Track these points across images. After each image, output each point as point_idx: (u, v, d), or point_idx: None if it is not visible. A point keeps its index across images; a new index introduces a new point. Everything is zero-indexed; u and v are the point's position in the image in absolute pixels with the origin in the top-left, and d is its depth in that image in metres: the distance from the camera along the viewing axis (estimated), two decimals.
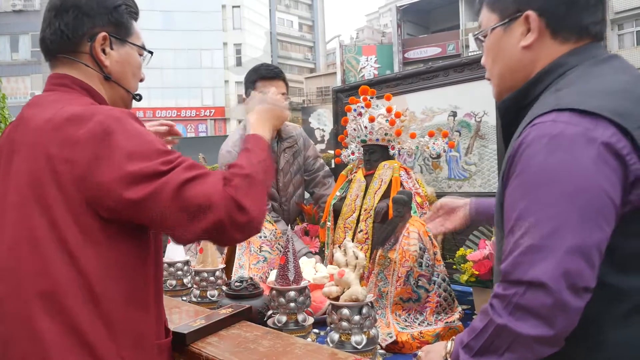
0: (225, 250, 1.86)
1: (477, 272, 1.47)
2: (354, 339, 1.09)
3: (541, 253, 0.71)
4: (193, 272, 1.59)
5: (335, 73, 27.97)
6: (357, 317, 1.09)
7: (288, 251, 1.26)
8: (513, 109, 0.90)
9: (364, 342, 1.09)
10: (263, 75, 2.14)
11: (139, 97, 1.09)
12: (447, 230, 1.34)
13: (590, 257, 0.70)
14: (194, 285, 1.58)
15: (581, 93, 0.78)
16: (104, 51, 0.99)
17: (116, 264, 0.87)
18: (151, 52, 1.11)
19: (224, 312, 1.22)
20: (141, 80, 1.10)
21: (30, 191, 0.86)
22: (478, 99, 1.79)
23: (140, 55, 1.08)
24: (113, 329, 0.86)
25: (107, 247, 0.87)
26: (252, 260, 1.75)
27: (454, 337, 0.88)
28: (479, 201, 1.30)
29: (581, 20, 0.85)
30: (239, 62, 27.81)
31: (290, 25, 39.27)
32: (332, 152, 3.15)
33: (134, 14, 1.05)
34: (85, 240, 0.85)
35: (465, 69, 1.84)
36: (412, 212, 1.45)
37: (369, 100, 1.73)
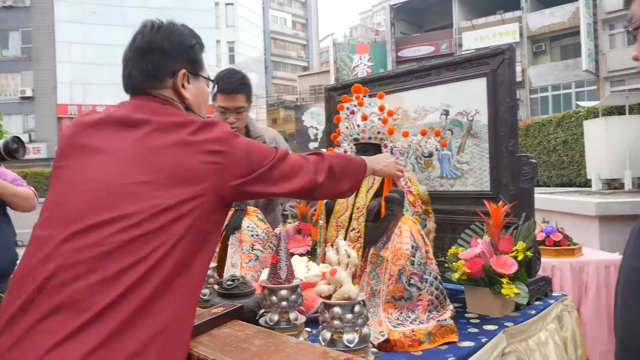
0: (217, 250, 1.86)
1: (468, 271, 1.48)
2: (346, 337, 1.09)
3: None
4: None
5: (328, 71, 27.97)
6: (349, 316, 1.09)
7: (280, 250, 1.26)
8: None
9: (356, 340, 1.09)
10: (222, 89, 2.04)
11: None
12: None
13: None
14: None
15: None
16: (183, 85, 1.12)
17: (208, 236, 1.00)
18: (215, 82, 1.23)
19: (216, 311, 1.22)
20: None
21: (162, 174, 0.95)
22: (470, 98, 1.80)
23: (207, 85, 1.22)
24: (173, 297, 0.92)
25: (206, 227, 0.99)
26: (244, 259, 1.75)
27: None
28: None
29: None
30: (232, 60, 27.71)
31: (283, 23, 39.19)
32: (325, 150, 3.16)
33: (203, 48, 1.19)
34: (196, 220, 0.95)
35: (457, 68, 1.84)
36: (404, 210, 1.46)
37: (362, 99, 1.73)
